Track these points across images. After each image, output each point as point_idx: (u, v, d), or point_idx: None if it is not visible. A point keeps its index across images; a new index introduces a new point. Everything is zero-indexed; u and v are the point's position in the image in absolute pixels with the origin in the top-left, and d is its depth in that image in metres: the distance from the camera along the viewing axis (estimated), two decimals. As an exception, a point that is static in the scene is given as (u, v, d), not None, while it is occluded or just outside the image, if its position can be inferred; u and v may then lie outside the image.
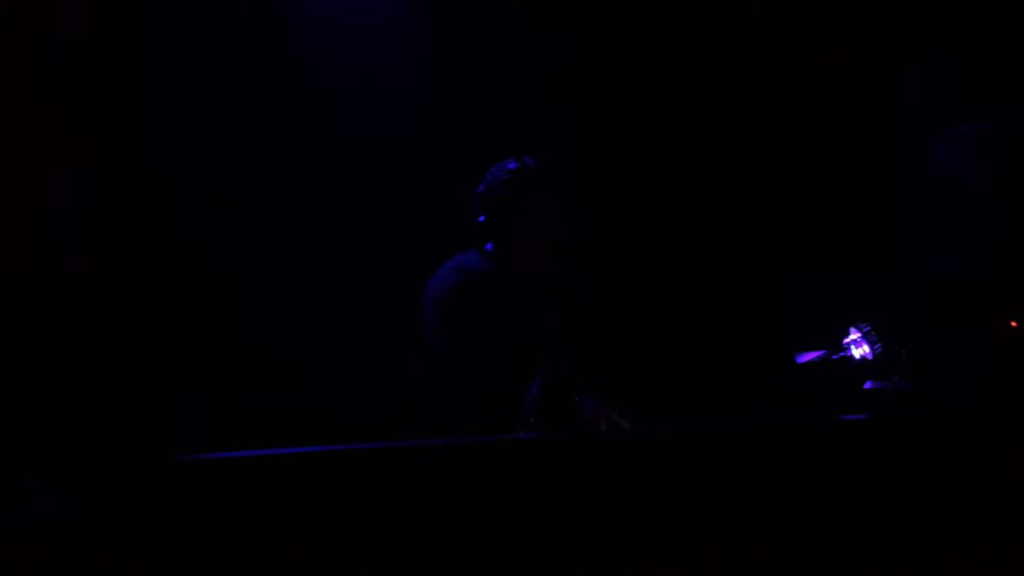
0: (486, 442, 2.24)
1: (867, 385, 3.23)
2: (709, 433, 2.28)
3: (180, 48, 3.57)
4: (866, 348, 3.26)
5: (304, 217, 3.76)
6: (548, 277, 3.07)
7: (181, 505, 1.76)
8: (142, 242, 3.50)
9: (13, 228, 3.27)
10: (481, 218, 3.04)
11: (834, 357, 3.29)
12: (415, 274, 3.04)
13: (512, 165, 3.01)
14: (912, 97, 4.41)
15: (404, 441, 2.11)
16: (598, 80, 4.23)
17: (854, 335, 3.30)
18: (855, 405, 3.20)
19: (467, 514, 1.94)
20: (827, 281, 4.26)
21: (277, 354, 3.65)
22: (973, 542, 2.35)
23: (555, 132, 3.97)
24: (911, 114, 4.42)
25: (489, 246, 3.07)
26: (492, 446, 2.15)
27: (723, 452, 2.19)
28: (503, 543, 1.95)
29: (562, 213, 3.04)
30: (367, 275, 3.79)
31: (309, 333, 3.74)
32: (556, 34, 4.15)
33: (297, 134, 3.77)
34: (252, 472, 1.83)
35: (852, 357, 3.28)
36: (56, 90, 3.36)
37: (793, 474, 2.23)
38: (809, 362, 3.31)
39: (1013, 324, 3.35)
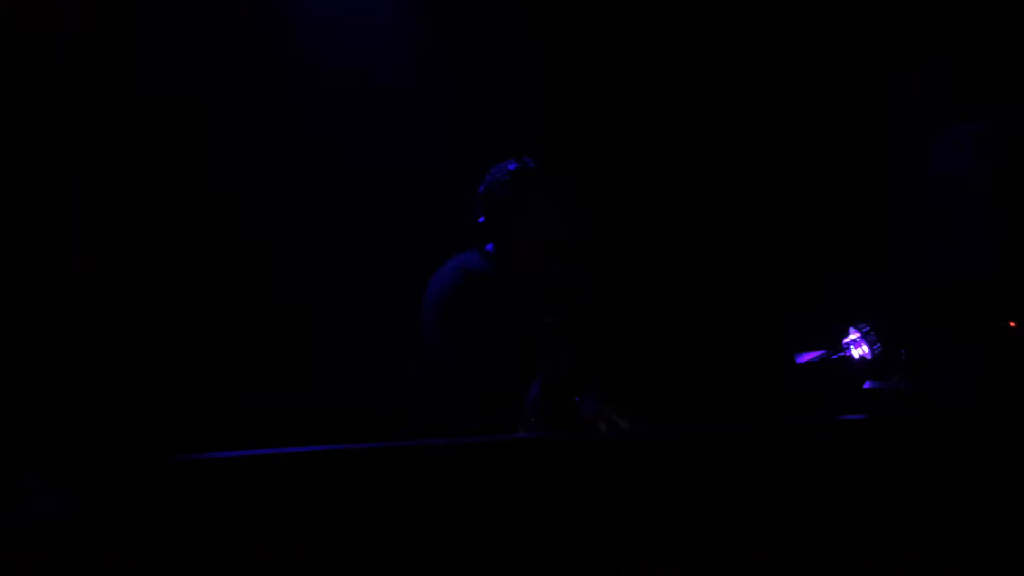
0: (486, 442, 2.24)
1: (866, 385, 3.23)
2: (708, 433, 2.28)
3: (180, 48, 3.57)
4: (865, 348, 3.26)
5: (304, 217, 3.76)
6: (548, 277, 3.07)
7: (181, 505, 1.76)
8: (141, 242, 3.50)
9: (13, 228, 3.27)
10: (481, 218, 3.04)
11: (834, 357, 3.29)
12: (415, 274, 3.04)
13: (512, 166, 3.01)
14: (912, 97, 4.41)
15: (404, 441, 2.11)
16: (598, 80, 4.23)
17: (853, 335, 3.30)
18: (855, 405, 3.20)
19: (467, 514, 1.94)
20: (827, 281, 4.26)
21: (277, 354, 3.65)
22: (973, 542, 2.34)
23: (555, 132, 3.97)
24: (911, 114, 4.41)
25: (489, 246, 3.07)
26: (492, 446, 2.15)
27: (722, 452, 2.19)
28: (503, 543, 1.95)
29: (562, 213, 3.04)
30: (367, 275, 3.79)
31: (309, 333, 3.74)
32: (556, 34, 4.15)
33: (297, 134, 3.77)
34: (252, 472, 1.83)
35: (851, 357, 3.28)
36: (56, 90, 3.36)
37: (793, 474, 2.23)
38: (809, 362, 3.31)
39: (1012, 324, 3.35)
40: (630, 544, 2.05)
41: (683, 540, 2.11)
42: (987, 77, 4.15)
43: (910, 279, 4.34)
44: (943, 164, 4.33)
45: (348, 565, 1.84)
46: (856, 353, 3.28)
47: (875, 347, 3.25)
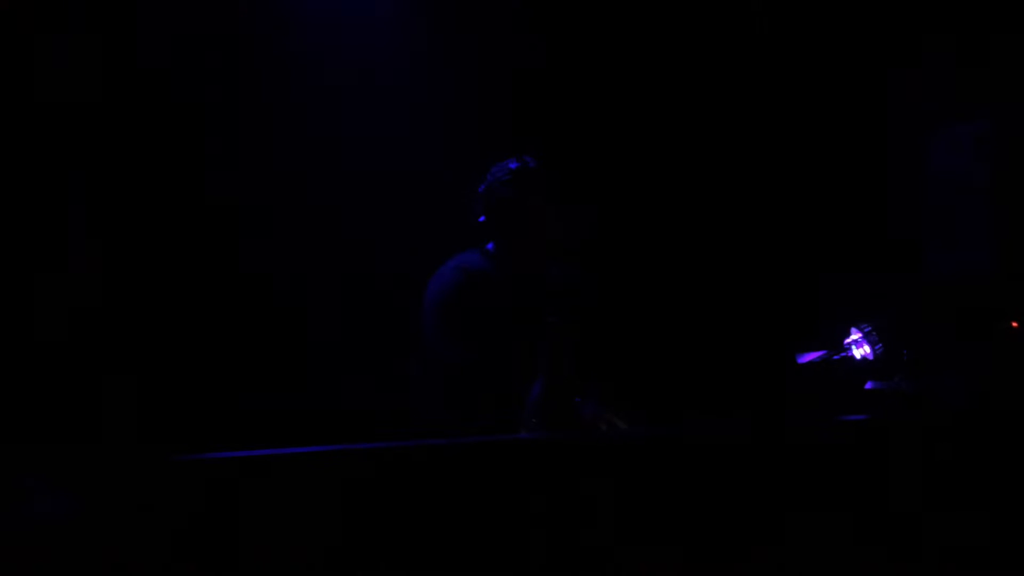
0: (486, 442, 2.24)
1: (868, 385, 3.23)
2: (708, 433, 2.28)
3: (180, 48, 3.57)
4: (867, 348, 3.26)
5: (304, 217, 3.76)
6: (548, 277, 3.07)
7: (181, 505, 1.76)
8: (141, 242, 3.50)
9: (13, 228, 3.27)
10: (482, 218, 3.04)
11: (835, 357, 3.29)
12: (415, 274, 3.04)
13: (513, 165, 3.01)
14: (912, 97, 4.41)
15: (404, 441, 2.10)
16: (598, 80, 4.23)
17: (855, 335, 3.30)
18: (856, 405, 3.20)
19: (467, 514, 1.94)
20: (827, 281, 4.26)
21: (277, 354, 3.65)
22: (973, 542, 2.34)
23: (555, 132, 3.97)
24: (911, 114, 4.41)
25: (490, 246, 3.07)
26: (492, 446, 2.15)
27: (722, 452, 2.19)
28: (503, 543, 1.95)
29: (562, 213, 3.04)
30: (367, 275, 3.79)
31: (309, 333, 3.74)
32: (556, 34, 4.15)
33: (297, 134, 3.77)
34: (252, 472, 1.83)
35: (853, 357, 3.28)
36: (56, 90, 3.36)
37: (793, 474, 2.23)
38: (810, 362, 3.31)
39: (1015, 325, 3.35)
40: (630, 544, 2.05)
41: (683, 540, 2.11)
42: (987, 77, 4.15)
43: (910, 279, 4.34)
44: (943, 164, 4.33)
45: (348, 565, 1.84)
46: (858, 353, 3.28)
47: (877, 347, 3.25)
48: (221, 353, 3.56)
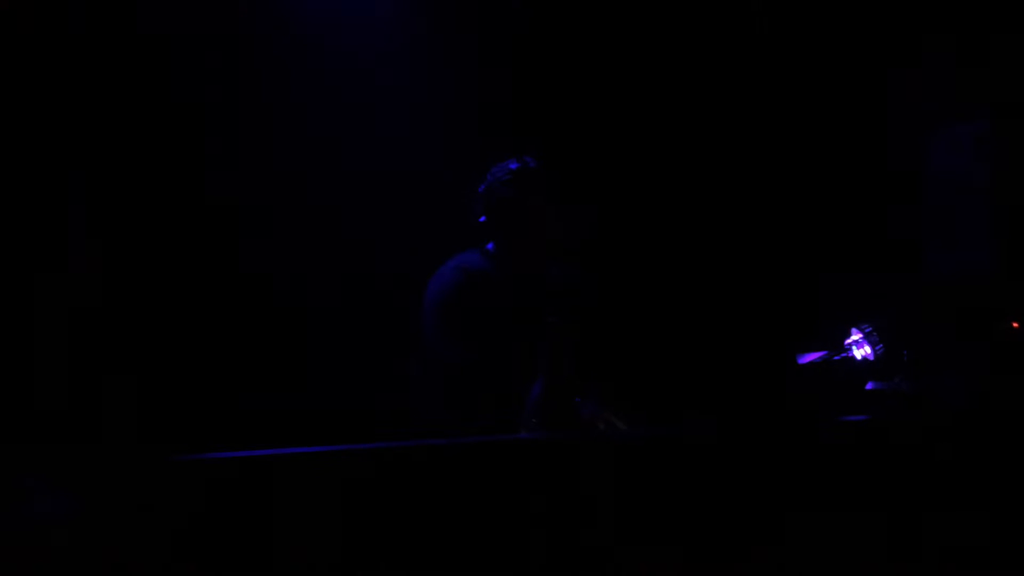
0: (486, 442, 2.24)
1: (868, 386, 3.23)
2: (708, 433, 2.28)
3: (180, 47, 3.57)
4: (868, 349, 3.26)
5: (304, 217, 3.76)
6: (548, 277, 3.07)
7: (181, 505, 1.76)
8: (141, 242, 3.50)
9: (13, 228, 3.27)
10: (482, 218, 3.04)
11: (835, 358, 3.29)
12: (415, 274, 3.04)
13: (513, 165, 3.01)
14: (912, 97, 4.41)
15: (404, 441, 2.10)
16: (598, 79, 4.23)
17: (856, 336, 3.30)
18: (856, 406, 3.20)
19: (467, 514, 1.94)
20: (827, 281, 4.26)
21: (277, 354, 3.65)
22: (973, 542, 2.34)
23: (555, 132, 3.97)
24: (911, 114, 4.41)
25: (490, 246, 3.07)
26: (492, 446, 2.15)
27: (722, 452, 2.19)
28: (503, 543, 1.95)
29: (562, 213, 3.04)
30: (367, 275, 3.79)
31: (309, 333, 3.74)
32: (556, 33, 4.15)
33: (297, 134, 3.77)
34: (252, 472, 1.83)
35: (853, 358, 3.28)
36: (56, 90, 3.36)
37: (793, 474, 2.23)
38: (811, 363, 3.31)
39: (1015, 325, 3.34)
40: (630, 544, 2.05)
41: (683, 540, 2.11)
42: (987, 77, 4.15)
43: (910, 279, 4.34)
44: (943, 164, 4.33)
45: (348, 565, 1.84)
46: (858, 354, 3.28)
47: (877, 348, 3.25)
48: (221, 353, 3.56)
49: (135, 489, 1.74)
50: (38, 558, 1.66)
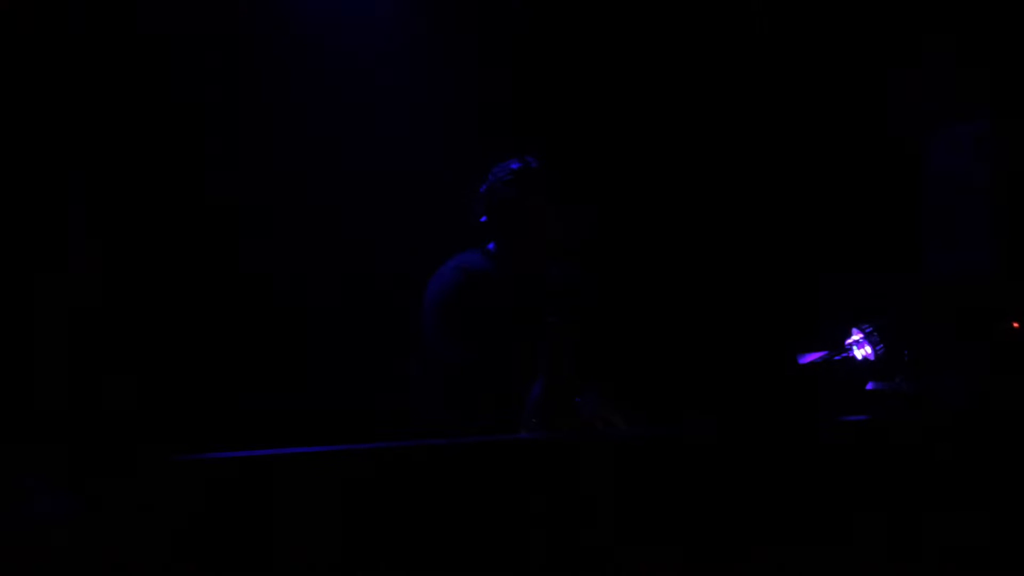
0: (486, 442, 2.24)
1: (869, 386, 3.23)
2: (708, 433, 2.28)
3: (180, 47, 3.57)
4: (868, 349, 3.26)
5: (304, 217, 3.76)
6: (548, 277, 3.07)
7: (181, 505, 1.76)
8: (141, 242, 3.50)
9: (13, 228, 3.27)
10: (483, 218, 3.04)
11: (836, 358, 3.29)
12: (415, 274, 3.04)
13: (515, 165, 3.01)
14: (912, 97, 4.41)
15: (404, 441, 2.10)
16: (598, 79, 4.23)
17: (856, 336, 3.30)
18: (857, 406, 3.20)
19: (467, 514, 1.94)
20: (827, 281, 4.26)
21: (277, 354, 3.65)
22: (973, 542, 2.34)
23: (555, 132, 3.97)
24: (911, 114, 4.41)
25: (491, 246, 3.07)
26: (492, 446, 2.15)
27: (722, 452, 2.19)
28: (503, 543, 1.95)
29: (563, 213, 3.04)
30: (367, 275, 3.79)
31: (309, 333, 3.74)
32: (556, 33, 4.15)
33: (297, 134, 3.77)
34: (252, 472, 1.83)
35: (854, 358, 3.28)
36: (56, 89, 3.36)
37: (793, 474, 2.23)
38: (811, 363, 3.31)
39: (1016, 325, 3.34)
40: (630, 544, 2.05)
41: (683, 540, 2.11)
42: (987, 77, 4.15)
43: (910, 279, 4.34)
44: (943, 164, 4.33)
45: (348, 565, 1.84)
46: (859, 354, 3.28)
47: (878, 348, 3.25)
48: (221, 353, 3.56)
49: (135, 489, 1.74)
50: (38, 558, 1.66)
